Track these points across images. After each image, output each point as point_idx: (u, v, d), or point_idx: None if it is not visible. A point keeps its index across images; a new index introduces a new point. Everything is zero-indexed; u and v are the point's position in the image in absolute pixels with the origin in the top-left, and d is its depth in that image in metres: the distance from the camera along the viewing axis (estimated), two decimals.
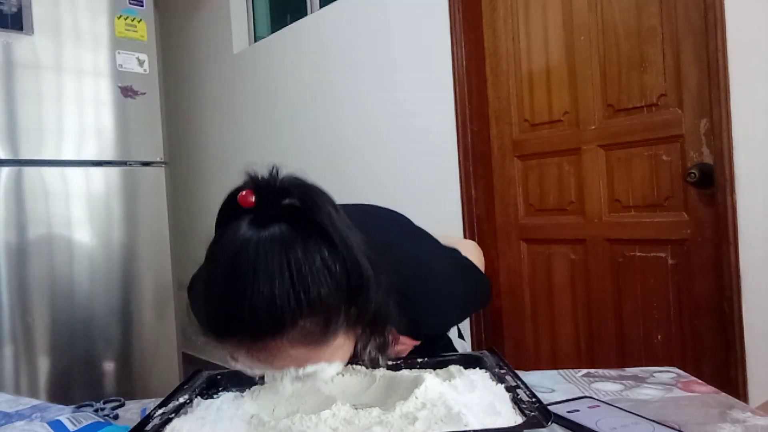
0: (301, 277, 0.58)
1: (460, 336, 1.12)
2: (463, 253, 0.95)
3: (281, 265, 0.58)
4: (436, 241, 0.95)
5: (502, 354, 0.81)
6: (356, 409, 0.66)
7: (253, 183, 0.62)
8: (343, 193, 2.53)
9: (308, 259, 0.59)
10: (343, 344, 0.65)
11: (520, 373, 0.74)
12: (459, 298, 0.91)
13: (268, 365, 0.62)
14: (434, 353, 0.86)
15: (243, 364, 0.63)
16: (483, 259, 1.09)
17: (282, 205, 0.61)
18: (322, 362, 0.64)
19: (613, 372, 0.88)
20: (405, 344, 0.88)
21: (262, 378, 0.68)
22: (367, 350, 0.70)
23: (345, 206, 0.74)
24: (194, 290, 0.72)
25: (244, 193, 0.61)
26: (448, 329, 1.00)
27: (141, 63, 2.19)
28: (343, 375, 0.77)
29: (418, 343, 0.90)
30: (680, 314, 1.65)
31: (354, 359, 0.72)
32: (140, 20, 2.19)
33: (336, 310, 0.60)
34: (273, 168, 0.62)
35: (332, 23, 2.54)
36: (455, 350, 1.04)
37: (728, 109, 1.45)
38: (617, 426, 0.66)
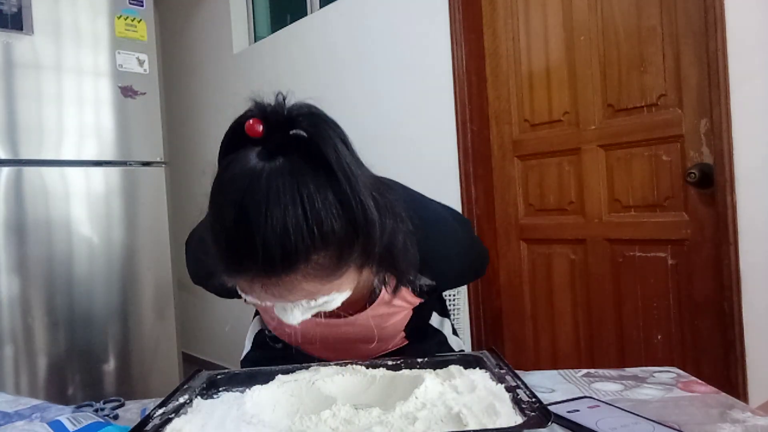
0: (314, 211, 0.56)
1: (455, 333, 1.12)
2: None
3: (294, 198, 0.56)
4: (436, 201, 0.95)
5: (502, 354, 0.81)
6: (356, 409, 0.67)
7: (260, 111, 0.59)
8: None
9: (320, 193, 0.57)
10: (351, 276, 0.64)
11: (520, 373, 0.74)
12: (462, 248, 0.90)
13: (282, 299, 0.61)
14: (430, 350, 0.86)
15: (255, 297, 0.63)
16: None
17: (290, 135, 0.58)
18: (333, 293, 0.64)
19: (613, 372, 0.88)
20: (405, 300, 0.88)
21: (263, 378, 0.68)
22: (385, 282, 0.71)
23: None
24: (201, 228, 0.69)
25: (251, 122, 0.58)
26: (449, 283, 0.97)
27: (141, 63, 2.19)
28: (343, 375, 0.77)
29: (416, 303, 0.90)
30: (680, 314, 1.65)
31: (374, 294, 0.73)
32: (140, 20, 2.19)
33: (348, 243, 0.60)
34: (280, 95, 0.61)
35: (332, 23, 2.54)
36: (450, 348, 1.04)
37: (728, 109, 1.45)
38: (617, 426, 0.66)
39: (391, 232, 0.65)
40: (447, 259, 0.86)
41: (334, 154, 0.58)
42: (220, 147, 0.63)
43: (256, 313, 1.16)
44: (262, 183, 0.57)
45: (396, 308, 0.89)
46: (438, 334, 1.06)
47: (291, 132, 0.59)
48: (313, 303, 0.63)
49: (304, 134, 0.58)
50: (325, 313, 0.79)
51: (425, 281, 0.84)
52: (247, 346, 1.11)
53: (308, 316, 0.66)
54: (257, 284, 0.60)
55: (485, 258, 1.03)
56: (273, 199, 0.56)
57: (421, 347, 1.00)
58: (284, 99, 0.61)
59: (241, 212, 0.57)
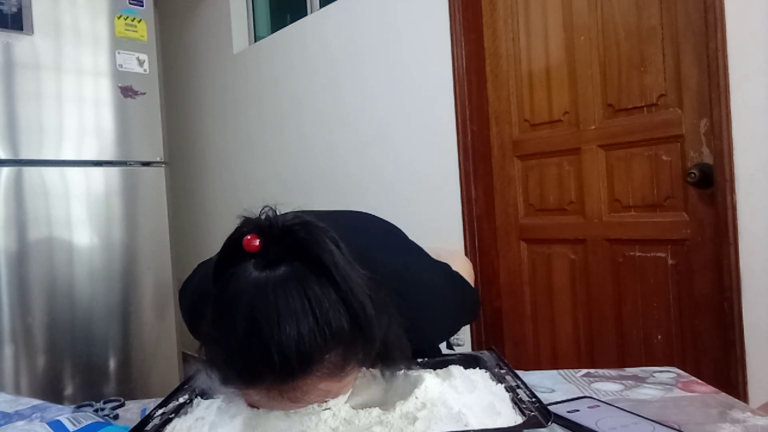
0: (322, 312, 0.58)
1: (449, 347, 1.12)
2: (454, 268, 0.95)
3: (302, 303, 0.58)
4: (427, 255, 0.95)
5: (502, 354, 0.81)
6: (356, 409, 0.66)
7: (255, 226, 0.61)
8: (342, 193, 2.55)
9: (325, 293, 0.59)
10: (355, 372, 0.66)
11: (520, 373, 0.74)
12: (450, 310, 0.91)
13: (297, 402, 0.61)
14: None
15: (269, 405, 0.63)
16: (472, 272, 1.11)
17: (288, 245, 0.60)
18: (341, 393, 0.64)
19: (613, 372, 0.88)
20: None
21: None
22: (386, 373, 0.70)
23: (335, 213, 0.74)
24: (206, 335, 0.69)
25: (248, 237, 0.60)
26: (438, 342, 0.99)
27: (141, 63, 2.19)
28: None
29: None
30: (680, 314, 1.65)
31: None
32: (140, 20, 2.19)
33: (353, 340, 0.61)
34: (268, 208, 0.62)
35: (332, 23, 2.54)
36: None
37: (728, 109, 1.45)
38: (617, 426, 0.66)
39: (387, 328, 0.66)
40: (430, 323, 0.86)
41: (330, 258, 0.60)
42: (216, 264, 0.64)
43: None
44: (269, 293, 0.58)
45: None
46: (434, 349, 1.07)
47: (288, 242, 0.60)
48: (324, 405, 0.63)
49: (301, 243, 0.60)
50: None
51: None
52: None
53: (314, 416, 0.66)
54: (274, 392, 0.60)
55: (476, 305, 1.04)
56: (283, 308, 0.57)
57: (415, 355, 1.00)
58: (274, 211, 0.63)
59: (253, 325, 0.57)
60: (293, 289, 0.58)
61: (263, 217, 0.62)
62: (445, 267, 0.94)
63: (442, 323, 0.90)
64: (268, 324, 0.57)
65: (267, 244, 0.60)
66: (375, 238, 0.97)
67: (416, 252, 0.95)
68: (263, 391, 0.60)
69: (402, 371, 0.69)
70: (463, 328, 1.31)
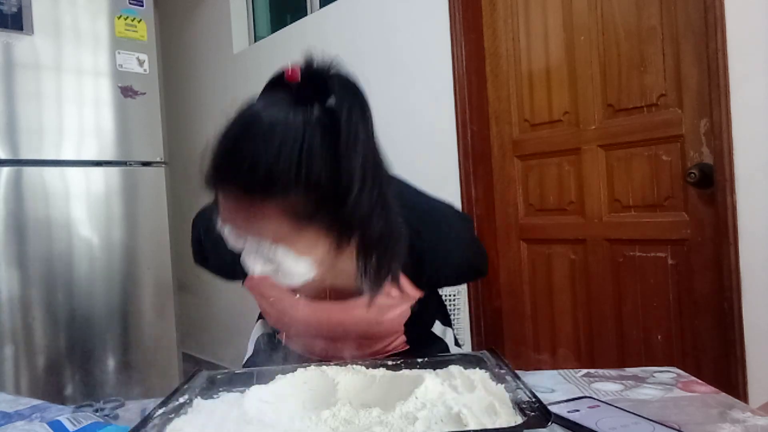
0: (310, 155, 0.61)
1: (457, 343, 1.12)
2: None
3: (296, 138, 0.61)
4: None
5: (502, 354, 0.81)
6: (356, 409, 0.67)
7: (306, 64, 0.66)
8: None
9: (324, 147, 0.61)
10: (317, 244, 0.67)
11: (520, 373, 0.74)
12: (463, 243, 0.92)
13: (250, 224, 0.63)
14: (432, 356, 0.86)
15: (227, 218, 0.65)
16: None
17: (321, 90, 0.64)
18: (293, 248, 0.65)
19: (613, 372, 0.88)
20: (405, 292, 0.87)
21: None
22: (366, 270, 0.72)
23: None
24: (209, 206, 0.76)
25: (292, 69, 0.65)
26: (448, 276, 0.96)
27: (141, 63, 2.19)
28: (344, 375, 0.77)
29: (416, 296, 0.90)
30: (680, 314, 1.65)
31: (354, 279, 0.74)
32: (140, 20, 2.19)
33: (324, 200, 0.63)
34: (331, 59, 0.67)
35: (332, 23, 2.54)
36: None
37: (728, 109, 1.45)
38: (617, 426, 0.66)
39: (374, 220, 0.67)
40: (446, 251, 0.86)
41: (346, 115, 0.62)
42: (264, 87, 0.70)
43: (259, 317, 1.16)
44: (275, 113, 0.62)
45: (393, 300, 0.88)
46: (440, 341, 1.06)
47: (321, 87, 0.64)
48: (272, 254, 0.64)
49: (331, 98, 0.64)
50: (319, 297, 0.82)
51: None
52: (249, 350, 1.11)
53: (268, 270, 0.68)
54: (232, 200, 0.63)
55: (484, 257, 1.03)
56: (279, 130, 0.61)
57: (422, 353, 0.99)
58: (333, 64, 0.67)
59: (247, 129, 0.62)
60: (298, 124, 0.62)
61: (318, 59, 0.67)
62: (456, 209, 0.96)
63: (455, 253, 0.89)
64: (258, 133, 0.61)
65: (305, 80, 0.66)
66: (403, 184, 0.97)
67: (429, 195, 0.96)
68: (226, 193, 0.64)
69: (386, 275, 0.72)
70: (463, 328, 1.31)
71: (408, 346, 1.00)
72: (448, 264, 0.87)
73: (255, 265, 0.68)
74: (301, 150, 0.60)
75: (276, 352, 1.04)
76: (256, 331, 1.14)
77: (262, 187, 0.61)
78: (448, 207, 0.93)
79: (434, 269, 0.85)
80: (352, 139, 0.62)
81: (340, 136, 0.61)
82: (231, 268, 0.85)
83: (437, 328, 1.07)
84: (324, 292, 0.88)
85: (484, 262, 1.02)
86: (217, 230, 0.69)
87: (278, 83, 0.66)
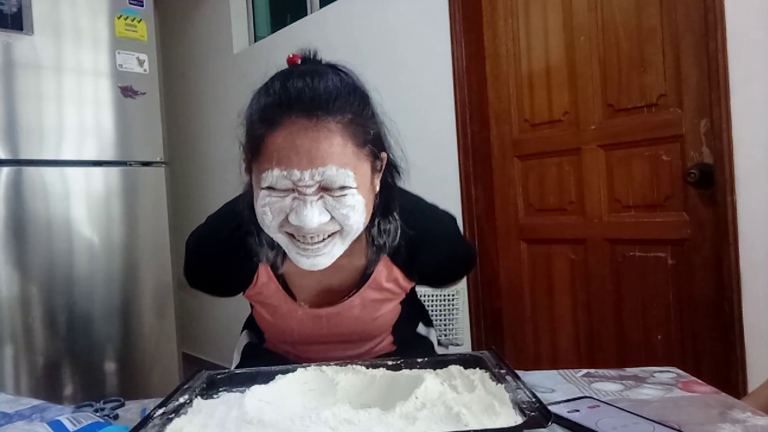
0: (350, 87, 0.74)
1: (439, 344, 1.15)
2: None
3: (334, 75, 0.74)
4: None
5: (502, 354, 0.81)
6: (356, 409, 0.67)
7: (302, 52, 0.78)
8: None
9: (356, 87, 0.76)
10: (366, 175, 0.74)
11: (520, 373, 0.74)
12: (451, 236, 0.98)
13: (316, 144, 0.68)
14: (419, 354, 0.87)
15: (286, 154, 0.69)
16: None
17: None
18: (351, 175, 0.71)
19: (613, 372, 0.88)
20: (397, 284, 0.91)
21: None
22: (378, 228, 0.82)
23: None
24: (202, 227, 0.91)
25: (291, 55, 0.77)
26: (440, 270, 1.00)
27: (141, 63, 2.19)
28: (344, 375, 0.77)
29: (407, 288, 0.94)
30: (680, 314, 1.65)
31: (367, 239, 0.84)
32: (140, 20, 2.19)
33: (372, 127, 0.75)
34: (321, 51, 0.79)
35: (332, 23, 2.54)
36: (436, 354, 1.06)
37: (728, 109, 1.45)
38: (617, 426, 0.66)
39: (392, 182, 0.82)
40: (435, 242, 0.90)
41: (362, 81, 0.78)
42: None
43: (245, 326, 1.17)
44: (306, 68, 0.75)
45: (386, 294, 0.91)
46: (425, 340, 1.09)
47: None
48: (339, 173, 0.69)
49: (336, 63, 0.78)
50: (319, 298, 0.87)
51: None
52: (236, 359, 1.11)
53: (325, 219, 0.72)
54: (297, 125, 0.69)
55: (472, 253, 1.10)
56: (321, 71, 0.74)
57: (409, 352, 1.00)
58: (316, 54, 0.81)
59: (288, 78, 0.72)
60: (329, 71, 0.75)
61: (314, 52, 0.80)
62: (441, 209, 1.01)
63: (445, 244, 0.94)
64: (302, 74, 0.72)
65: (305, 61, 0.78)
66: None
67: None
68: (288, 126, 0.69)
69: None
70: (463, 328, 1.32)
71: (395, 347, 1.01)
72: (436, 252, 0.91)
73: (311, 215, 0.70)
74: (343, 82, 0.73)
75: (262, 360, 1.03)
76: (242, 340, 1.15)
77: (326, 107, 0.69)
78: (434, 206, 0.99)
79: (423, 256, 0.89)
80: (369, 95, 0.77)
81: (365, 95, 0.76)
82: (229, 284, 0.87)
83: (421, 329, 1.11)
84: (321, 296, 0.90)
85: (471, 255, 1.09)
86: (216, 250, 0.81)
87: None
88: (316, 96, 0.69)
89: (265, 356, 1.04)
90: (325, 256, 0.75)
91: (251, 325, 1.09)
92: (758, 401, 0.83)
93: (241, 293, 0.94)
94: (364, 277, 0.89)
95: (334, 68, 0.76)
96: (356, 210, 0.72)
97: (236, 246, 0.83)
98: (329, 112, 0.69)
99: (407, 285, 0.93)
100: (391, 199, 0.83)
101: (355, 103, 0.72)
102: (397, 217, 0.84)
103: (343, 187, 0.70)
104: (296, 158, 0.68)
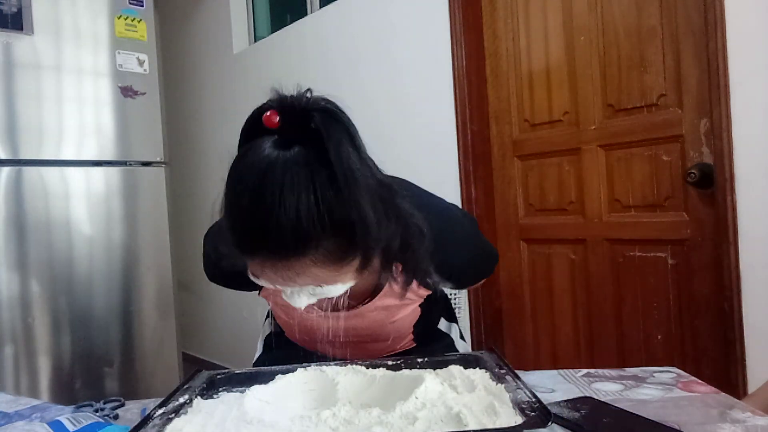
0: (325, 199, 0.60)
1: (462, 337, 1.12)
2: None
3: (307, 186, 0.59)
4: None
5: (502, 354, 0.81)
6: (356, 409, 0.67)
7: (279, 103, 0.63)
8: None
9: (332, 183, 0.60)
10: (355, 267, 0.67)
11: (520, 373, 0.74)
12: (470, 240, 0.93)
13: (290, 282, 0.64)
14: (438, 352, 0.86)
15: (265, 280, 0.65)
16: None
17: (304, 128, 0.62)
18: (338, 283, 0.66)
19: (613, 372, 0.88)
20: (413, 292, 0.88)
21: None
22: (392, 275, 0.75)
23: None
24: (221, 221, 0.73)
25: (268, 113, 0.62)
26: (458, 273, 0.95)
27: (141, 63, 2.19)
28: (344, 375, 0.77)
29: (424, 295, 0.91)
30: (680, 314, 1.65)
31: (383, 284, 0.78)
32: (140, 20, 2.19)
33: (354, 234, 0.62)
34: (299, 88, 0.64)
35: (332, 23, 2.54)
36: (457, 351, 1.04)
37: (728, 109, 1.45)
38: (617, 426, 0.66)
39: (393, 234, 0.67)
40: (455, 248, 0.86)
41: (336, 154, 0.60)
42: (240, 135, 0.67)
43: (267, 315, 1.16)
44: (277, 170, 0.60)
45: (404, 301, 0.89)
46: (446, 337, 1.07)
47: (306, 124, 0.62)
48: (318, 290, 0.66)
49: (317, 129, 0.61)
50: (333, 304, 0.82)
51: (434, 276, 0.85)
52: (259, 349, 1.12)
53: (314, 300, 0.69)
54: (268, 267, 0.63)
55: (493, 256, 1.03)
56: (288, 186, 0.59)
57: (429, 349, 1.00)
58: (305, 92, 0.64)
59: (257, 197, 0.60)
60: (301, 172, 0.60)
61: (289, 96, 0.63)
62: (461, 209, 0.98)
63: (464, 250, 0.90)
64: (270, 201, 0.59)
65: (286, 122, 0.62)
66: (412, 186, 0.97)
67: (434, 195, 0.96)
68: (258, 264, 0.63)
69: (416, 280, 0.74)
70: (464, 328, 1.32)
71: (415, 344, 1.01)
72: (455, 260, 0.87)
73: (299, 302, 0.68)
74: (316, 199, 0.59)
75: (286, 349, 1.04)
76: (265, 330, 1.15)
77: (294, 250, 0.61)
78: (456, 207, 0.94)
79: (441, 266, 0.84)
80: (348, 174, 0.61)
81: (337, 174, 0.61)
82: (246, 281, 0.86)
83: (442, 324, 1.08)
84: (338, 301, 0.88)
85: (491, 260, 1.03)
86: (231, 251, 0.69)
87: (258, 124, 0.64)
88: (283, 240, 0.59)
89: (286, 347, 1.04)
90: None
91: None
92: (758, 402, 0.83)
93: (257, 292, 0.94)
94: (376, 286, 0.87)
95: (313, 167, 0.61)
96: (346, 289, 0.70)
97: None
98: (299, 253, 0.61)
99: (425, 292, 0.91)
100: (391, 257, 0.73)
101: (331, 231, 0.61)
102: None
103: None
104: (273, 283, 0.66)
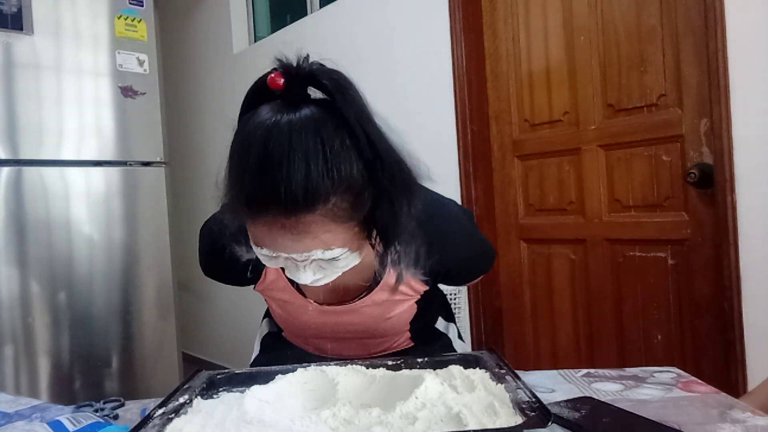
0: (333, 154, 0.60)
1: (460, 337, 1.12)
2: None
3: (315, 143, 0.60)
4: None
5: (502, 354, 0.81)
6: (356, 409, 0.67)
7: (283, 67, 0.63)
8: None
9: (340, 139, 0.61)
10: (360, 234, 0.67)
11: (520, 373, 0.74)
12: (467, 233, 0.92)
13: (301, 240, 0.63)
14: (435, 352, 0.86)
15: (272, 244, 0.64)
16: None
17: (309, 89, 0.63)
18: (345, 248, 0.65)
19: (613, 372, 0.88)
20: (409, 287, 0.88)
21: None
22: (394, 258, 0.72)
23: None
24: (216, 215, 0.74)
25: (273, 75, 0.63)
26: (455, 267, 0.94)
27: (141, 63, 2.19)
28: (344, 375, 0.77)
29: (421, 291, 0.91)
30: (680, 314, 1.65)
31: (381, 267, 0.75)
32: (140, 20, 2.19)
33: (363, 188, 0.63)
34: (302, 55, 0.65)
35: (332, 23, 2.54)
36: (455, 351, 1.04)
37: (728, 109, 1.45)
38: (617, 426, 0.66)
39: (401, 202, 0.67)
40: (453, 243, 0.86)
41: (351, 105, 0.62)
42: (242, 104, 0.67)
43: (265, 315, 1.16)
44: (284, 129, 0.60)
45: (400, 296, 0.89)
46: (443, 337, 1.07)
47: (312, 86, 0.63)
48: (324, 262, 0.65)
49: (324, 87, 0.62)
50: (330, 297, 0.82)
51: (427, 267, 0.83)
52: (256, 349, 1.11)
53: (319, 277, 0.68)
54: (277, 225, 0.62)
55: (491, 252, 1.02)
56: (296, 144, 0.59)
57: (426, 349, 1.00)
58: (306, 58, 0.65)
59: (265, 155, 0.60)
60: (309, 130, 0.60)
61: (295, 61, 0.64)
62: (458, 204, 0.96)
63: (461, 244, 0.89)
64: (278, 158, 0.59)
65: (291, 85, 0.63)
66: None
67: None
68: (268, 223, 0.62)
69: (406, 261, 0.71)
70: (463, 328, 1.31)
71: (412, 343, 1.01)
72: (452, 253, 0.87)
73: (305, 277, 0.68)
74: (325, 155, 0.60)
75: (283, 350, 1.04)
76: (263, 330, 1.15)
77: (306, 205, 0.60)
78: (453, 203, 0.94)
79: (438, 259, 0.84)
80: (366, 124, 0.62)
81: (350, 126, 0.61)
82: (243, 275, 0.85)
83: (440, 323, 1.08)
84: (333, 293, 0.88)
85: (489, 255, 1.01)
86: (229, 241, 0.69)
87: (261, 92, 0.64)
88: (293, 194, 0.59)
89: (284, 347, 1.04)
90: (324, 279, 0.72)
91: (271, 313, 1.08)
92: (757, 400, 0.83)
93: (252, 287, 0.93)
94: (376, 277, 0.86)
95: (321, 124, 0.61)
96: (351, 266, 0.70)
97: (246, 238, 0.81)
98: (310, 209, 0.61)
99: (422, 288, 0.90)
100: (394, 229, 0.71)
101: (340, 187, 0.61)
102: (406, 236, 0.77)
103: (333, 258, 0.67)
104: (281, 247, 0.65)
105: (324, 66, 0.64)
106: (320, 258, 0.65)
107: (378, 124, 0.64)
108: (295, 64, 0.64)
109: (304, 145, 0.59)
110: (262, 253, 0.66)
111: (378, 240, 0.69)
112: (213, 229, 0.88)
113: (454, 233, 0.87)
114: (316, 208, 0.61)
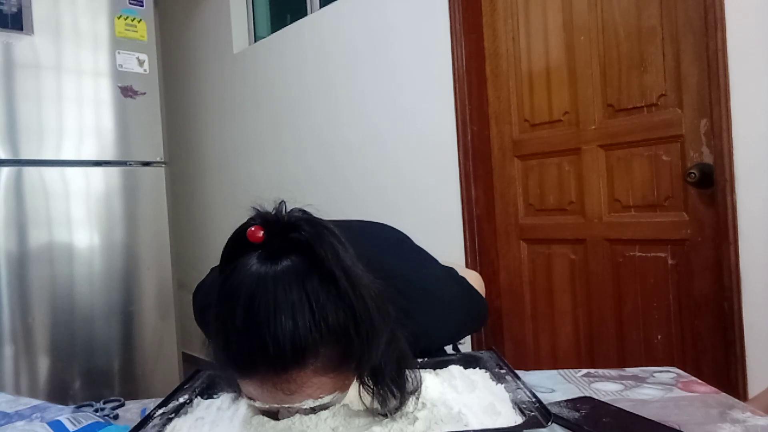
0: (319, 305, 0.59)
1: (455, 349, 1.13)
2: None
3: (300, 296, 0.58)
4: (434, 260, 0.96)
5: (502, 354, 0.81)
6: (356, 408, 0.66)
7: (261, 218, 0.62)
8: (342, 194, 2.54)
9: (324, 288, 0.59)
10: (350, 377, 0.65)
11: (520, 373, 0.74)
12: (455, 315, 0.92)
13: (293, 396, 0.61)
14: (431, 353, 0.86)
15: (264, 401, 0.62)
16: (483, 287, 1.11)
17: (290, 239, 0.61)
18: (337, 391, 0.64)
19: (613, 372, 0.88)
20: None
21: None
22: (389, 394, 0.66)
23: (343, 222, 0.74)
24: (210, 325, 0.69)
25: (252, 228, 0.61)
26: (443, 345, 0.98)
27: (141, 63, 2.19)
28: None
29: None
30: (680, 314, 1.65)
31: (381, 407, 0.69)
32: (140, 20, 2.19)
33: (351, 338, 0.61)
34: (279, 203, 0.63)
35: (332, 23, 2.54)
36: (454, 351, 1.05)
37: (728, 109, 1.45)
38: (617, 426, 0.66)
39: (389, 341, 0.65)
40: (442, 324, 0.88)
41: (332, 256, 0.60)
42: (222, 254, 0.65)
43: None
44: (268, 285, 0.59)
45: None
46: (438, 350, 1.06)
47: (292, 236, 0.61)
48: (318, 402, 0.63)
49: (303, 238, 0.60)
50: None
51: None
52: None
53: (310, 414, 0.66)
54: (268, 385, 0.60)
55: (483, 314, 1.02)
56: (281, 299, 0.58)
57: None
58: (284, 206, 0.63)
59: (250, 314, 0.58)
60: (292, 283, 0.59)
61: (272, 210, 0.62)
62: (452, 273, 0.95)
63: (447, 328, 0.90)
64: (264, 315, 0.58)
65: (271, 236, 0.61)
66: (384, 242, 0.97)
67: (425, 258, 0.96)
68: (258, 381, 0.61)
69: (396, 402, 0.66)
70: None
71: None
72: (438, 338, 0.90)
73: (296, 415, 0.66)
74: (310, 305, 0.58)
75: None
76: None
77: (294, 361, 0.59)
78: (445, 273, 0.94)
79: (424, 343, 0.82)
80: (348, 270, 0.60)
81: (333, 274, 0.60)
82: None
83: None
84: None
85: (480, 323, 1.03)
86: (226, 372, 0.66)
87: (241, 244, 0.62)
88: (282, 352, 0.58)
89: None
90: None
91: None
92: (759, 406, 0.83)
93: None
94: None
95: (304, 276, 0.60)
96: (342, 399, 0.68)
97: (237, 385, 0.73)
98: (300, 365, 0.59)
99: None
100: (382, 369, 0.66)
101: (329, 338, 0.60)
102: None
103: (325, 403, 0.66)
104: (273, 401, 0.63)
105: (302, 213, 0.63)
106: (312, 405, 0.64)
107: (357, 271, 0.62)
108: (273, 212, 0.62)
109: (289, 300, 0.58)
110: (254, 405, 0.65)
111: (368, 379, 0.67)
112: (204, 292, 0.90)
113: (439, 319, 0.88)
114: (307, 363, 0.59)
